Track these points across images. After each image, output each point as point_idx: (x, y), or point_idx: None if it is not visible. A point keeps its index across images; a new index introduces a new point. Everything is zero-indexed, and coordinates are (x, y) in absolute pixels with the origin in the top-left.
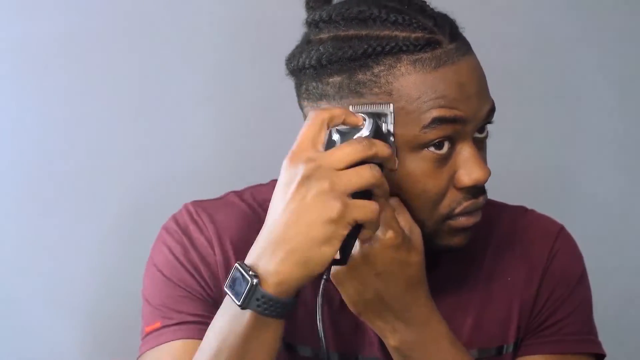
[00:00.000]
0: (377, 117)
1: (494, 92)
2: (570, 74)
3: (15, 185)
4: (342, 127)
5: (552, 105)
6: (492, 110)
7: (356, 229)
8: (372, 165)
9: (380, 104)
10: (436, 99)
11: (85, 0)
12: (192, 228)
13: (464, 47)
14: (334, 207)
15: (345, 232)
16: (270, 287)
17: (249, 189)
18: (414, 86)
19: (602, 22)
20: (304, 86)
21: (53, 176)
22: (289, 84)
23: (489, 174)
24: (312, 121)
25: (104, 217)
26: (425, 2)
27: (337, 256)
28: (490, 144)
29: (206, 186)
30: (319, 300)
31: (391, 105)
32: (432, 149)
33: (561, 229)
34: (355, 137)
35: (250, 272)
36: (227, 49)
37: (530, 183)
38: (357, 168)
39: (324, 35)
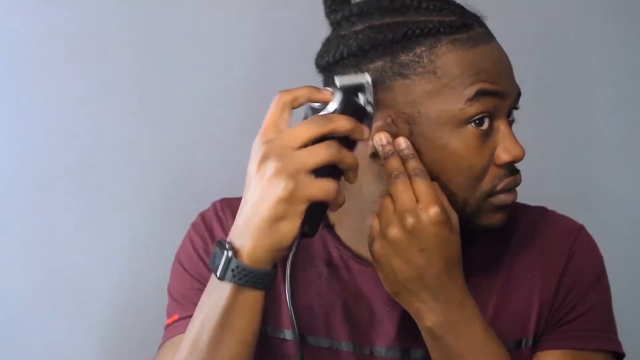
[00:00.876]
0: (352, 90)
1: None
2: (581, 73)
3: (22, 186)
4: (316, 105)
5: (566, 106)
6: (519, 94)
7: (322, 203)
8: (329, 142)
9: (355, 75)
10: (478, 73)
11: (87, 1)
12: (215, 224)
13: (490, 33)
14: (284, 186)
15: (301, 208)
16: (244, 258)
17: None
18: (456, 63)
19: (616, 21)
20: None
21: (64, 175)
22: (295, 82)
23: (524, 152)
24: (275, 103)
25: (117, 217)
26: None
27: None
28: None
29: (229, 185)
30: (288, 271)
31: (366, 74)
32: (475, 124)
33: (581, 229)
34: (321, 113)
35: (227, 246)
36: (235, 47)
37: (547, 185)
38: (312, 146)
39: (358, 27)
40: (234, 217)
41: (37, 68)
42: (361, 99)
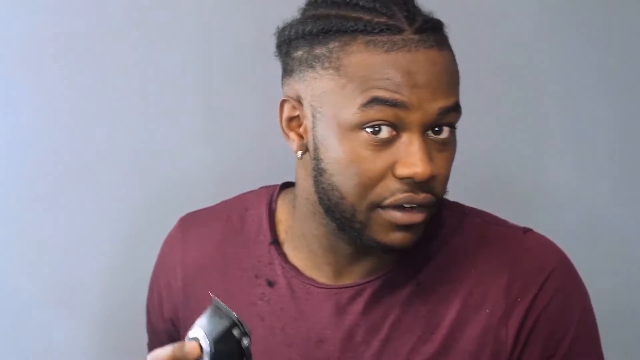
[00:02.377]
0: (224, 332)
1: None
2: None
3: (21, 185)
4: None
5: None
6: (452, 111)
7: None
8: None
9: (220, 320)
10: (379, 79)
11: (87, 1)
12: (166, 249)
13: (431, 41)
14: None
15: None
16: None
17: (239, 196)
18: (361, 65)
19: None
20: (282, 66)
21: (63, 174)
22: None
23: (431, 173)
24: None
25: (110, 217)
26: None
27: None
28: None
29: (216, 188)
30: None
31: (232, 313)
32: (369, 130)
33: (555, 269)
34: None
35: None
36: (233, 47)
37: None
38: None
39: (301, 17)
40: (184, 241)
41: (26, 68)
42: (235, 333)
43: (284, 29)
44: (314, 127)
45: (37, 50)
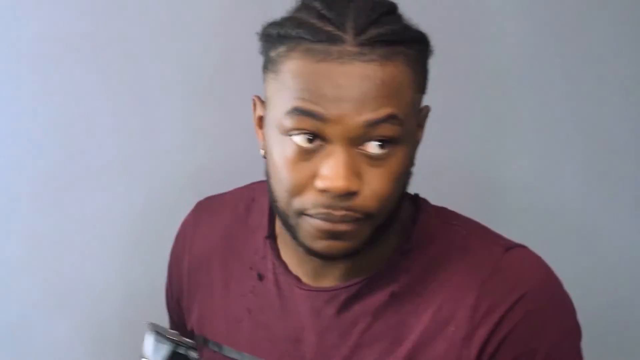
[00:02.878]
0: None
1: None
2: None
3: (22, 186)
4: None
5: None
6: (383, 122)
7: None
8: None
9: (164, 344)
10: (303, 89)
11: (86, 1)
12: (181, 232)
13: (373, 55)
14: None
15: None
16: None
17: (251, 185)
18: (293, 72)
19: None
20: None
21: (63, 175)
22: None
23: (347, 188)
24: None
25: (110, 218)
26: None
27: None
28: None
29: (218, 186)
30: None
31: (175, 336)
32: (295, 139)
33: (530, 291)
34: None
35: None
36: (230, 44)
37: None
38: None
39: (275, 20)
40: (194, 224)
41: (26, 68)
42: (181, 351)
43: (263, 28)
44: (263, 129)
45: (25, 52)
